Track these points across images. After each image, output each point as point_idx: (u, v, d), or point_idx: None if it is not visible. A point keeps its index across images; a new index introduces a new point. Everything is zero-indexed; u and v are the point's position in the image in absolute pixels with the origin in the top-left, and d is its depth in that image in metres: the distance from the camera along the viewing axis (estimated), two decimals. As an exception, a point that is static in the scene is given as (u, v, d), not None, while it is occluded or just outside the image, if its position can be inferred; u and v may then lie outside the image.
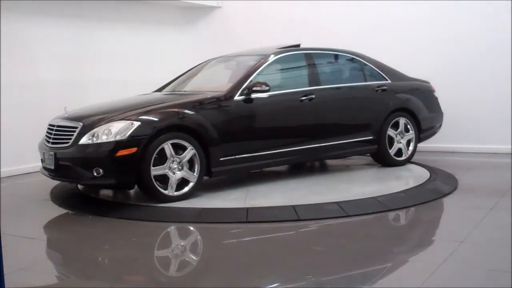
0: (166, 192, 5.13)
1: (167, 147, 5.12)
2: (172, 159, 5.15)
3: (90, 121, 5.21)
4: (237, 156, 5.55)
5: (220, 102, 5.59)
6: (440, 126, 7.21)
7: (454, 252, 3.74)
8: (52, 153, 5.25)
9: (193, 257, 4.05)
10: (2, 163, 6.92)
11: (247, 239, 4.40)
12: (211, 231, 4.53)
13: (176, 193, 5.19)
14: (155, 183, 5.08)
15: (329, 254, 3.89)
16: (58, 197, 5.74)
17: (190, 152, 5.23)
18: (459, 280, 3.33)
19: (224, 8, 9.59)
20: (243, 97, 5.65)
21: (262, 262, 3.76)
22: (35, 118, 6.82)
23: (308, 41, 7.15)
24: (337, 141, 6.22)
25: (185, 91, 6.25)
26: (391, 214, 4.85)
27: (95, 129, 5.08)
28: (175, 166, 5.17)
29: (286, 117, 5.97)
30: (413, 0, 8.06)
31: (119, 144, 4.95)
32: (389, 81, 6.74)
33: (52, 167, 5.27)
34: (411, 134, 6.76)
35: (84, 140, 5.07)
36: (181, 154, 5.20)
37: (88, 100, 6.51)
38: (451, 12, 7.89)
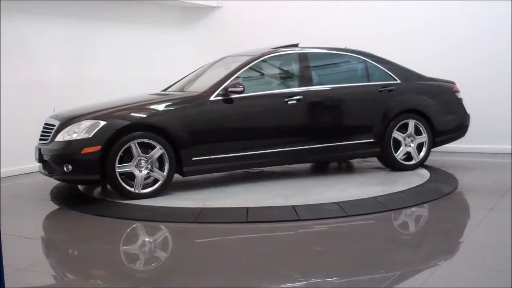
0: (131, 189, 5.26)
1: (133, 146, 5.23)
2: (139, 157, 5.25)
3: (66, 120, 5.44)
4: (212, 156, 5.54)
5: (195, 102, 5.61)
6: (465, 128, 6.78)
7: (454, 252, 3.74)
8: (38, 148, 5.55)
9: (193, 257, 4.04)
10: (2, 163, 6.92)
11: (247, 239, 4.39)
12: (211, 231, 4.53)
13: (142, 191, 5.31)
14: (120, 180, 5.22)
15: (329, 254, 3.89)
16: (58, 197, 5.75)
17: (158, 151, 5.30)
18: (459, 280, 3.33)
19: (224, 8, 9.58)
20: (220, 97, 5.64)
21: (262, 262, 3.76)
22: (35, 118, 6.80)
23: (310, 41, 7.11)
24: (331, 143, 6.02)
25: (178, 91, 6.25)
26: (391, 214, 4.85)
27: (68, 127, 5.32)
28: (143, 164, 5.27)
29: (268, 118, 5.87)
30: (417, 0, 8.08)
31: (84, 142, 5.16)
32: (398, 81, 6.41)
33: (38, 162, 5.59)
34: (424, 137, 6.38)
35: (59, 138, 5.33)
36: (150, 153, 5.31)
37: (88, 100, 6.53)
38: (450, 13, 7.90)
